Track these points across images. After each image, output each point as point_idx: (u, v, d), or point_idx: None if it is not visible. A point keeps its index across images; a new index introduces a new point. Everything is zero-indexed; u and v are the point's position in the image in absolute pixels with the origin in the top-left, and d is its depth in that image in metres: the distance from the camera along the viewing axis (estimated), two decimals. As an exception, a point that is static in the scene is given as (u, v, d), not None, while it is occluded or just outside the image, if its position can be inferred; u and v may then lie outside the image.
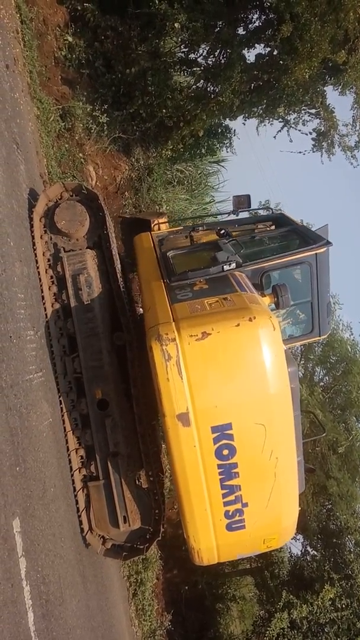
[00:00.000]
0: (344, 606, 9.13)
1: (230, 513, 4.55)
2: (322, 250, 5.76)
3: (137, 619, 8.54)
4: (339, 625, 9.17)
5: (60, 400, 5.36)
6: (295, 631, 9.17)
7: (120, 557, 5.74)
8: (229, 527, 4.61)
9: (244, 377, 4.28)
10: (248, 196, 6.97)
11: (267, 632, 9.27)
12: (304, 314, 6.23)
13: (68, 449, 5.36)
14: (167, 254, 5.99)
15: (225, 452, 4.34)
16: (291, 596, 9.36)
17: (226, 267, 5.19)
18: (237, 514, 4.57)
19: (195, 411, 4.24)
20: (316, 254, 5.74)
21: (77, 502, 5.39)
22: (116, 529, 5.51)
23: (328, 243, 5.78)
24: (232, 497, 4.49)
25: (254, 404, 4.31)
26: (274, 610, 9.42)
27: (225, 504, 4.51)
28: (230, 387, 4.28)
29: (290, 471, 4.70)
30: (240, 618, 14.09)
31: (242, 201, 6.95)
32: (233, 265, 5.25)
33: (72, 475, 5.36)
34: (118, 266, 5.68)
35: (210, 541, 4.70)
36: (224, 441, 4.32)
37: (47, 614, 3.90)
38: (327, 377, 13.85)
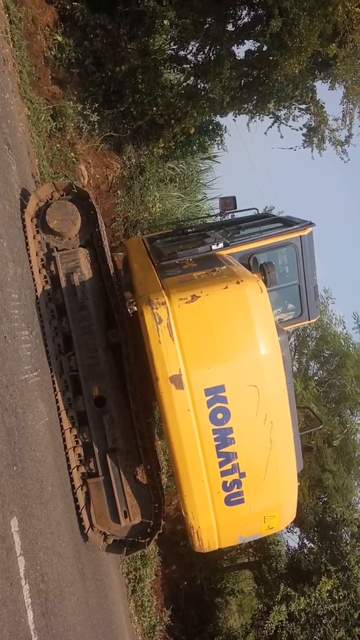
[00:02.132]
0: (341, 597, 9.20)
1: (228, 484, 4.52)
2: (306, 232, 5.92)
3: (136, 615, 8.59)
4: (336, 617, 9.25)
5: (56, 399, 5.38)
6: (294, 623, 9.25)
7: (122, 552, 5.78)
8: (228, 501, 4.57)
9: (234, 338, 4.32)
10: (234, 198, 7.07)
11: (266, 625, 9.34)
12: (292, 298, 6.33)
13: (65, 447, 5.39)
14: (156, 244, 6.08)
15: (220, 415, 4.34)
16: (289, 589, 9.42)
17: (214, 247, 5.34)
18: (235, 486, 4.53)
19: (187, 373, 4.26)
20: (300, 236, 5.92)
21: (76, 500, 5.42)
22: (117, 524, 5.55)
23: (311, 224, 5.92)
24: (229, 466, 4.47)
25: (246, 365, 4.33)
26: (272, 603, 9.48)
27: (223, 473, 4.48)
28: (221, 348, 4.31)
29: (286, 439, 4.67)
30: (239, 612, 14.19)
31: (228, 203, 7.06)
32: (221, 244, 5.40)
33: (70, 473, 5.39)
34: (111, 264, 5.71)
35: (210, 519, 4.64)
36: (218, 404, 4.32)
37: (47, 612, 3.92)
38: (321, 371, 13.93)
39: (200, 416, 4.33)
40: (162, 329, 4.23)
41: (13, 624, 3.31)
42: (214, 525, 4.70)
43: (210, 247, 5.36)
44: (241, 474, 4.51)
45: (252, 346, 4.33)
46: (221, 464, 4.46)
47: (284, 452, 4.64)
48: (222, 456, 4.44)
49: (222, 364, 4.31)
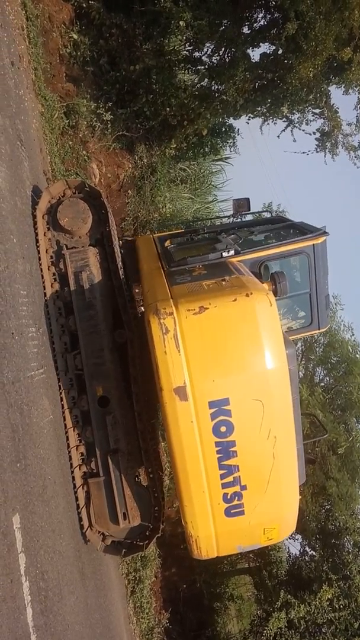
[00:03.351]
0: (341, 607, 9.11)
1: (228, 496, 4.49)
2: (319, 240, 5.85)
3: (135, 617, 8.55)
4: (336, 626, 9.15)
5: (61, 397, 5.37)
6: (293, 631, 9.16)
7: (120, 554, 5.75)
8: (228, 513, 4.54)
9: (241, 352, 4.27)
10: (247, 199, 7.04)
11: (265, 631, 9.26)
12: (303, 306, 6.27)
13: (68, 446, 5.37)
14: (167, 247, 6.06)
15: (223, 429, 4.30)
16: (289, 596, 9.34)
17: (225, 254, 5.30)
18: (236, 498, 4.50)
19: (192, 385, 4.23)
20: (314, 244, 5.84)
21: (77, 499, 5.40)
22: (116, 525, 5.52)
23: (325, 233, 5.85)
24: (230, 479, 4.43)
25: (251, 379, 4.29)
26: (272, 609, 9.40)
27: (224, 485, 4.45)
28: (227, 361, 4.27)
29: (289, 454, 4.63)
30: (238, 617, 14.10)
31: (241, 205, 7.03)
32: (232, 252, 5.34)
33: (72, 472, 5.37)
34: (120, 264, 5.69)
35: (209, 528, 4.61)
36: (222, 417, 4.28)
37: (46, 610, 3.90)
38: (327, 378, 13.83)
39: (204, 428, 4.31)
40: (168, 339, 4.20)
41: (12, 621, 3.29)
42: (213, 535, 4.68)
43: (221, 254, 5.31)
44: (242, 486, 4.48)
45: (258, 360, 4.28)
46: (223, 476, 4.43)
47: (286, 467, 4.61)
48: (223, 468, 4.41)
49: (228, 377, 4.28)
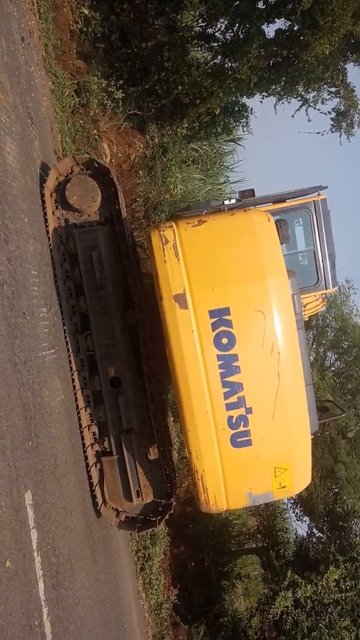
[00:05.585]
0: (348, 587, 9.21)
1: (233, 420, 4.30)
2: (320, 197, 6.02)
3: (144, 593, 8.72)
4: (342, 606, 9.27)
5: (72, 378, 5.40)
6: (299, 610, 9.29)
7: (134, 529, 5.83)
8: (234, 442, 4.33)
9: (240, 261, 4.30)
10: (252, 190, 7.05)
11: (272, 609, 9.41)
12: (308, 265, 6.32)
13: (80, 426, 5.41)
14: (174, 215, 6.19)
15: (225, 340, 4.25)
16: (296, 576, 9.46)
17: (227, 202, 5.73)
18: (242, 423, 4.31)
19: (192, 293, 4.24)
20: (314, 201, 6.01)
21: (90, 477, 5.47)
22: (130, 502, 5.60)
23: (324, 187, 6.06)
24: (234, 399, 4.28)
25: (251, 289, 4.28)
26: (279, 589, 9.53)
27: (228, 407, 4.28)
28: (227, 270, 4.30)
29: (296, 375, 4.40)
30: (245, 595, 14.30)
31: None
32: (233, 200, 5.79)
33: (84, 451, 5.43)
34: (130, 243, 5.64)
35: (215, 462, 4.36)
36: (223, 327, 4.24)
37: (57, 585, 3.98)
38: (338, 362, 13.79)
39: (205, 339, 4.22)
40: (168, 249, 4.27)
41: (25, 594, 3.36)
42: (219, 470, 4.40)
43: (223, 202, 5.63)
44: (247, 409, 4.30)
45: (258, 270, 4.28)
46: (226, 395, 4.27)
47: (293, 390, 4.37)
48: (227, 386, 4.26)
49: (228, 285, 4.27)
